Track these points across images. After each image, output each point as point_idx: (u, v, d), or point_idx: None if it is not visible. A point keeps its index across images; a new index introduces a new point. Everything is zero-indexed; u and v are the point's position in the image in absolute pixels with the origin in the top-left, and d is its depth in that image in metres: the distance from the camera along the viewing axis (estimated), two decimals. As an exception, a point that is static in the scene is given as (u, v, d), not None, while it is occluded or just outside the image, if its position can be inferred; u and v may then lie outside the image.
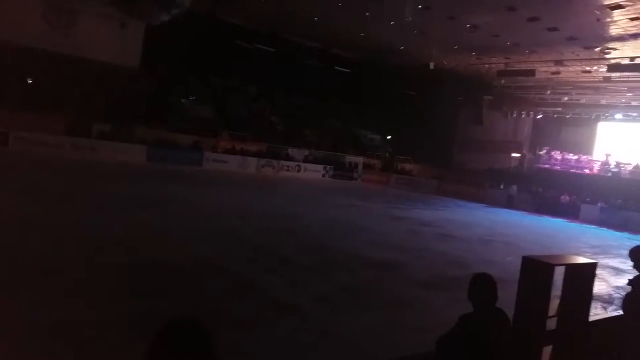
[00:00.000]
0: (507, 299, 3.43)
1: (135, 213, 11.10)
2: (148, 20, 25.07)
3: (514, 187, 28.36)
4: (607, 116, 30.61)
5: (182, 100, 29.70)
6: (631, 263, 4.32)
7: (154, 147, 25.01)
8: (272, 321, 5.65)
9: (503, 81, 29.13)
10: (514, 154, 34.02)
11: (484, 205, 26.87)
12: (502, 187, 29.26)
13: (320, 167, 31.82)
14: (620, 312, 5.00)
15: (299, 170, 30.52)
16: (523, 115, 33.53)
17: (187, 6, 22.83)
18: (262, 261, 8.53)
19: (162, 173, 20.64)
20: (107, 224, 9.60)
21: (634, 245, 4.41)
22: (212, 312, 5.37)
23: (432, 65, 27.73)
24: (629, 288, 4.39)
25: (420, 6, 20.55)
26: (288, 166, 30.16)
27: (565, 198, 26.59)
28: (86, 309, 5.14)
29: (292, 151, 31.30)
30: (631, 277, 4.32)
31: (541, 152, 32.18)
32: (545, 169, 30.83)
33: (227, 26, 28.30)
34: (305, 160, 31.67)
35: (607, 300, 8.57)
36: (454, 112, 34.71)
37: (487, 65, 27.31)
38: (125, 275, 6.58)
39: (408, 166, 36.09)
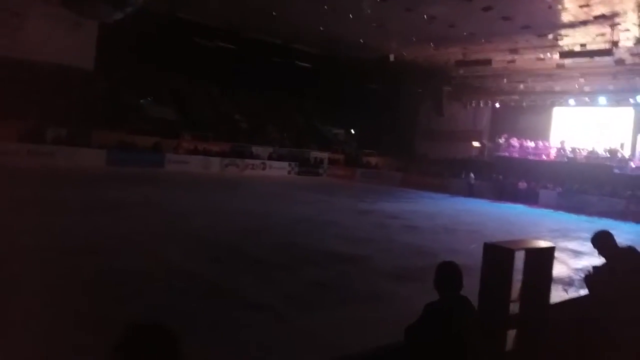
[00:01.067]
0: (473, 286, 3.47)
1: (97, 218, 10.85)
2: (101, 20, 24.34)
3: (472, 176, 28.97)
4: (562, 102, 31.52)
5: (141, 101, 29.03)
6: (590, 245, 4.39)
7: (113, 151, 24.49)
8: (244, 321, 5.62)
9: (461, 71, 29.60)
10: (474, 143, 34.68)
11: (448, 195, 27.33)
12: (463, 176, 29.84)
13: (285, 164, 31.73)
14: (582, 293, 5.09)
15: (264, 168, 30.34)
16: (482, 105, 34.17)
17: (140, 4, 22.25)
18: (230, 262, 8.46)
19: (122, 176, 20.21)
20: (69, 230, 9.37)
21: (591, 227, 4.51)
22: (182, 315, 5.35)
23: (392, 58, 27.89)
24: (588, 269, 4.48)
25: (377, -1, 20.64)
26: (253, 164, 29.95)
27: (523, 184, 27.33)
28: (53, 316, 5.03)
29: (256, 149, 31.09)
30: (594, 262, 4.40)
31: (500, 140, 32.91)
32: (505, 156, 31.58)
33: (185, 24, 27.72)
34: (270, 158, 31.52)
35: (568, 283, 8.79)
36: (415, 104, 35.15)
37: (445, 56, 27.65)
38: (90, 281, 6.43)
39: (373, 159, 36.37)
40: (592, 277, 4.36)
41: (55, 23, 24.41)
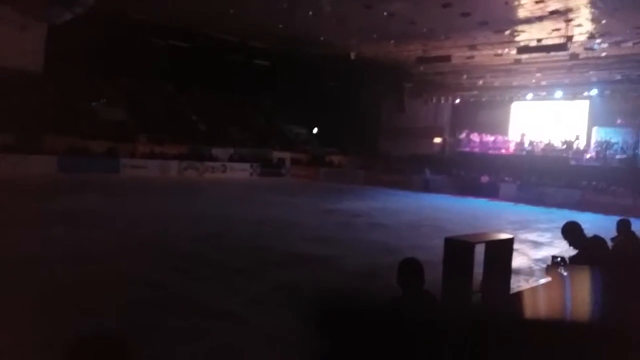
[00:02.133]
0: (437, 280, 3.51)
1: (48, 229, 10.26)
2: (49, 21, 23.39)
3: (427, 171, 29.29)
4: (520, 97, 32.26)
5: (93, 104, 27.98)
6: (549, 235, 4.59)
7: (65, 157, 23.58)
8: (209, 329, 5.46)
9: (422, 68, 29.80)
10: (436, 139, 35.07)
11: (410, 191, 27.49)
12: (422, 172, 30.11)
13: (246, 165, 31.23)
14: (542, 281, 5.21)
15: (224, 171, 29.73)
16: (442, 101, 34.60)
17: (91, 3, 21.48)
18: (191, 269, 8.21)
19: (75, 184, 19.40)
20: (18, 242, 8.84)
21: (549, 218, 4.64)
22: (144, 326, 5.18)
23: (353, 56, 27.86)
24: (547, 260, 4.61)
25: (337, -5, 20.51)
26: (213, 167, 29.30)
27: (485, 178, 27.79)
28: (3, 337, 4.68)
29: (216, 151, 30.46)
30: (553, 252, 4.52)
31: (461, 136, 33.41)
32: (466, 151, 32.10)
33: (137, 23, 26.91)
34: (231, 160, 30.95)
35: (528, 273, 8.98)
36: (377, 101, 35.28)
37: (405, 53, 27.81)
38: (43, 297, 6.05)
39: (336, 158, 36.29)
40: (557, 266, 4.43)
41: (1, 24, 23.26)
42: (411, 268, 3.19)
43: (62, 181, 20.29)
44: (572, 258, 4.43)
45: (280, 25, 25.91)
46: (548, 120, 31.14)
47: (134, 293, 6.59)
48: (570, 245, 4.48)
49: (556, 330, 4.01)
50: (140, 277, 7.43)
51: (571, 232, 4.47)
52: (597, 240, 4.52)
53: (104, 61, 26.81)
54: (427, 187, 28.18)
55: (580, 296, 4.07)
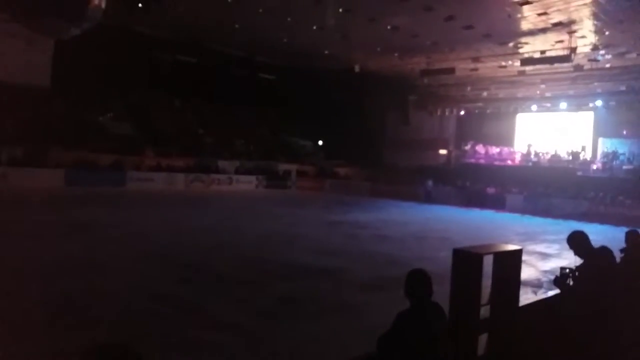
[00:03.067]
0: (444, 292, 3.55)
1: (56, 241, 10.40)
2: (56, 36, 23.63)
3: (430, 183, 29.19)
4: (524, 108, 32.25)
5: (100, 118, 28.18)
6: (557, 247, 4.58)
7: (73, 170, 23.63)
8: (214, 341, 5.48)
9: (426, 80, 29.87)
10: (441, 151, 35.04)
11: (416, 203, 27.40)
12: (423, 183, 30.04)
13: (252, 177, 31.26)
14: (550, 293, 5.18)
15: (230, 183, 29.79)
16: (447, 113, 34.62)
17: (98, 19, 21.71)
18: (196, 280, 8.23)
19: (82, 197, 19.51)
20: (26, 255, 8.90)
21: (556, 230, 4.63)
22: (149, 337, 5.16)
23: (357, 68, 28.00)
24: (555, 271, 4.59)
25: (340, 10, 20.67)
26: (219, 179, 29.37)
27: (491, 190, 27.69)
28: (15, 346, 4.74)
29: (222, 163, 30.56)
30: (561, 263, 4.52)
31: (466, 147, 33.39)
32: (471, 163, 32.04)
33: (144, 38, 27.23)
34: (237, 172, 31.01)
35: (537, 285, 8.95)
36: (381, 113, 35.35)
37: (410, 66, 27.90)
38: (52, 307, 6.16)
39: (341, 170, 36.29)
40: (566, 278, 4.43)
41: (7, 40, 23.55)
42: (419, 279, 3.15)
43: (70, 194, 20.36)
44: (578, 267, 4.42)
45: (285, 39, 26.12)
46: (553, 132, 31.10)
47: (138, 303, 6.63)
48: (576, 254, 4.45)
49: (565, 343, 4.00)
50: (146, 287, 7.48)
51: (577, 241, 4.43)
52: (604, 250, 4.49)
53: (111, 76, 27.08)
54: (428, 199, 28.09)
55: (588, 307, 4.04)
